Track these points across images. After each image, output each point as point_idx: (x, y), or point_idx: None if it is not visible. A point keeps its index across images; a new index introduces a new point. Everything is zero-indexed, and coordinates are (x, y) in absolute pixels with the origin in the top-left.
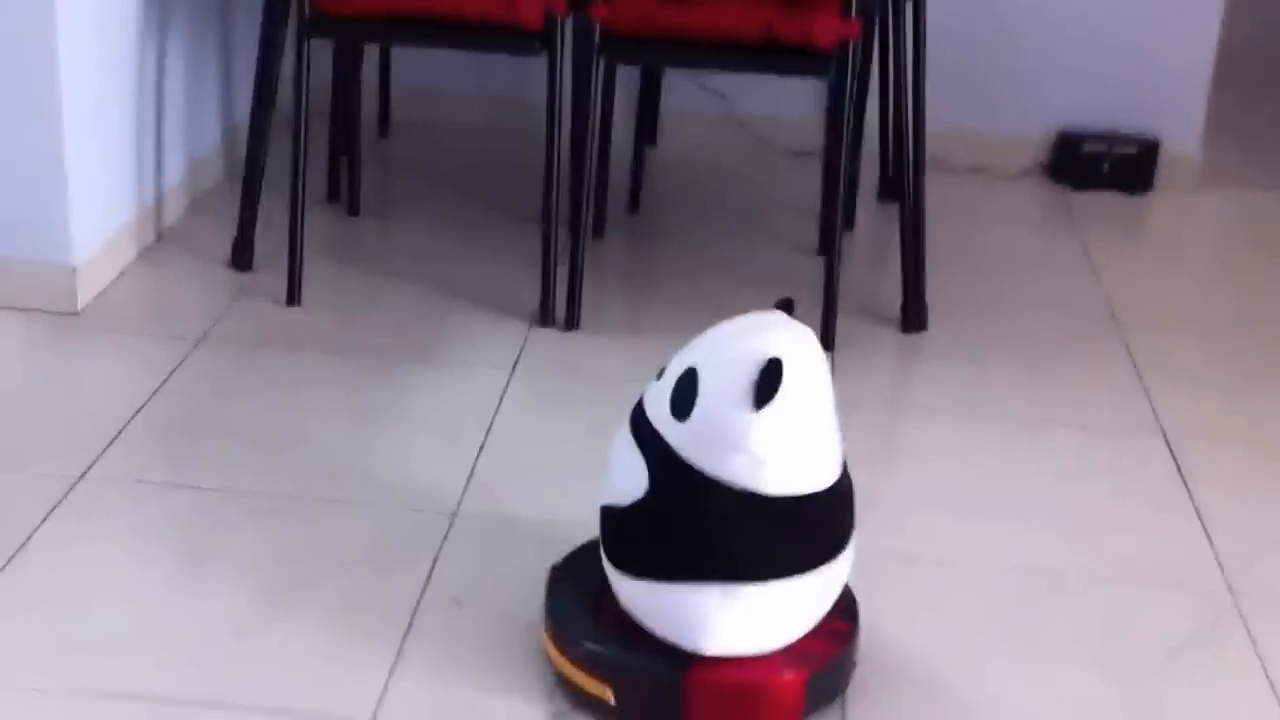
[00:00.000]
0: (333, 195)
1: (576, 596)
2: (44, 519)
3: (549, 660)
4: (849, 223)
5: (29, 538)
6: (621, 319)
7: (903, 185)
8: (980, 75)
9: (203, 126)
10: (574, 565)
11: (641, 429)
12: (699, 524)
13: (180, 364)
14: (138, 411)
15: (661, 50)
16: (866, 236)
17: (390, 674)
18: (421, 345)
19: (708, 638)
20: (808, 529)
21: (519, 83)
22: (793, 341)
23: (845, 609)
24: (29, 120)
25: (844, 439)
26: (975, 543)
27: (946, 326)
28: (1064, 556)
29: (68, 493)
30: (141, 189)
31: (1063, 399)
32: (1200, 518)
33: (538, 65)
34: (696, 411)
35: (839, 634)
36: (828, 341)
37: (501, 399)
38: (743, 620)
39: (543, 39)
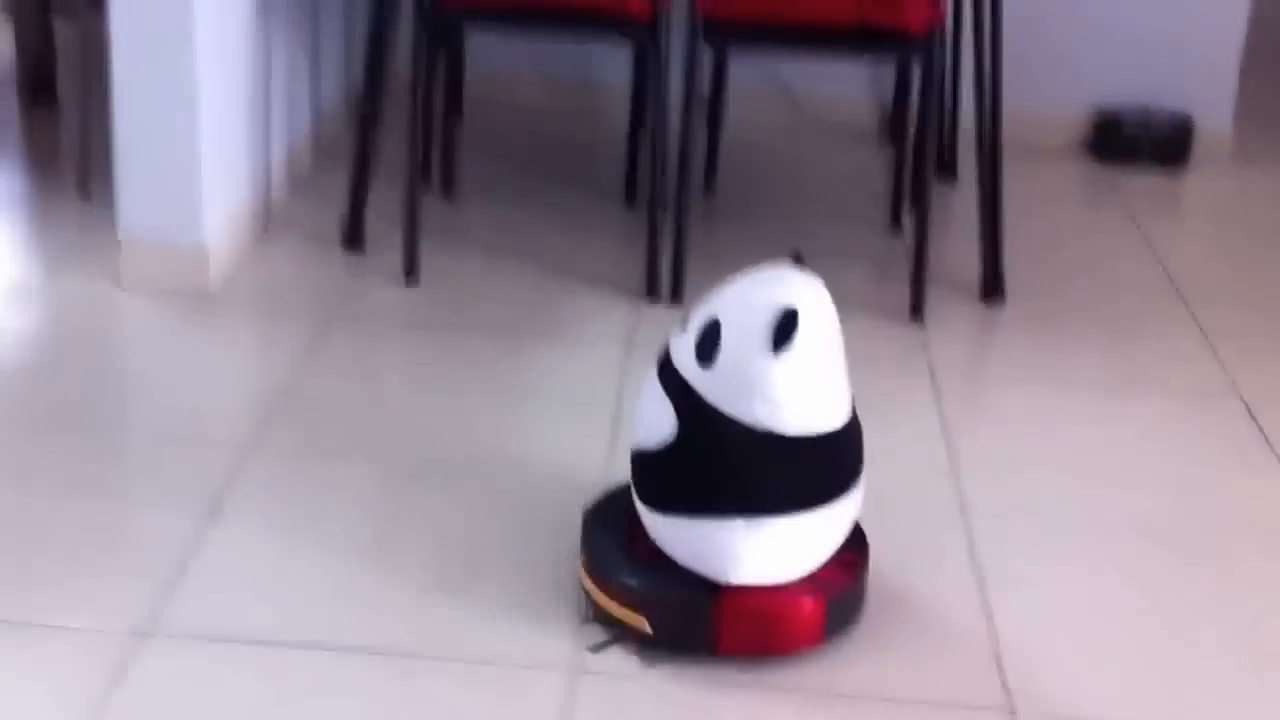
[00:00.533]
0: (424, 178)
1: (611, 535)
2: (226, 487)
3: (587, 594)
4: (913, 199)
5: (217, 506)
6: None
7: (979, 163)
8: (1016, 55)
9: (295, 115)
10: (607, 507)
11: (668, 376)
12: (723, 462)
13: (317, 342)
14: (286, 389)
15: (761, 37)
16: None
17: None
18: (540, 323)
19: (734, 568)
20: (823, 465)
21: (584, 65)
22: (806, 292)
23: (856, 543)
24: (171, 112)
25: (943, 405)
26: (1083, 501)
27: (1023, 299)
28: (1168, 515)
29: (243, 462)
30: (255, 175)
31: (1141, 367)
32: None
33: (600, 49)
34: (720, 358)
35: (851, 565)
36: (917, 313)
37: (624, 372)
38: (765, 551)
39: (650, 28)
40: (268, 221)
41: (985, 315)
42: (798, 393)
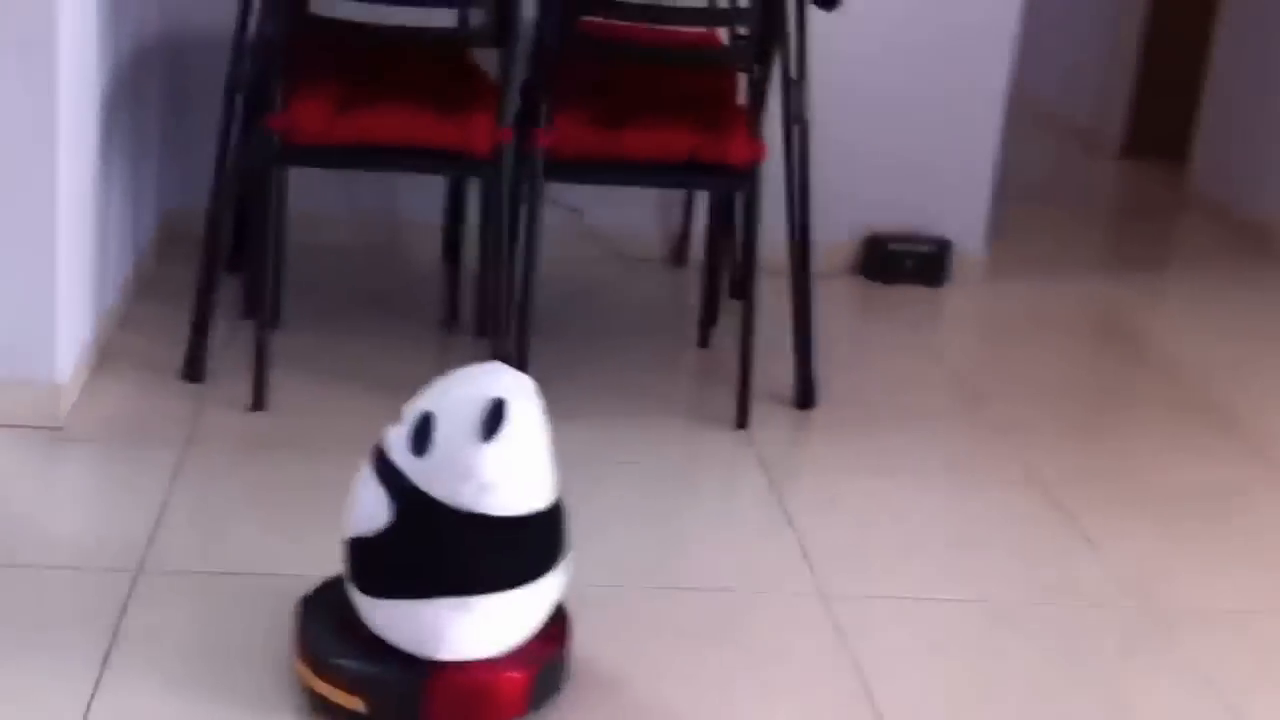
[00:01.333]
0: (249, 311)
1: (326, 623)
2: (120, 616)
3: (302, 681)
4: (713, 319)
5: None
6: (553, 409)
7: (792, 280)
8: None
9: (125, 250)
10: (322, 596)
11: (383, 467)
12: (435, 545)
13: (179, 468)
14: (163, 509)
15: (599, 171)
16: (727, 330)
17: None
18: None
19: (444, 646)
20: (529, 545)
21: (387, 199)
22: (513, 385)
23: (558, 617)
24: (26, 249)
25: (782, 498)
26: (930, 578)
27: (831, 403)
28: (999, 589)
29: (131, 587)
30: (98, 305)
31: (949, 456)
32: (1093, 548)
33: (409, 184)
34: (433, 448)
35: (555, 637)
36: (742, 420)
37: None
38: (474, 628)
39: (491, 164)
40: (104, 354)
41: (801, 418)
42: (506, 476)
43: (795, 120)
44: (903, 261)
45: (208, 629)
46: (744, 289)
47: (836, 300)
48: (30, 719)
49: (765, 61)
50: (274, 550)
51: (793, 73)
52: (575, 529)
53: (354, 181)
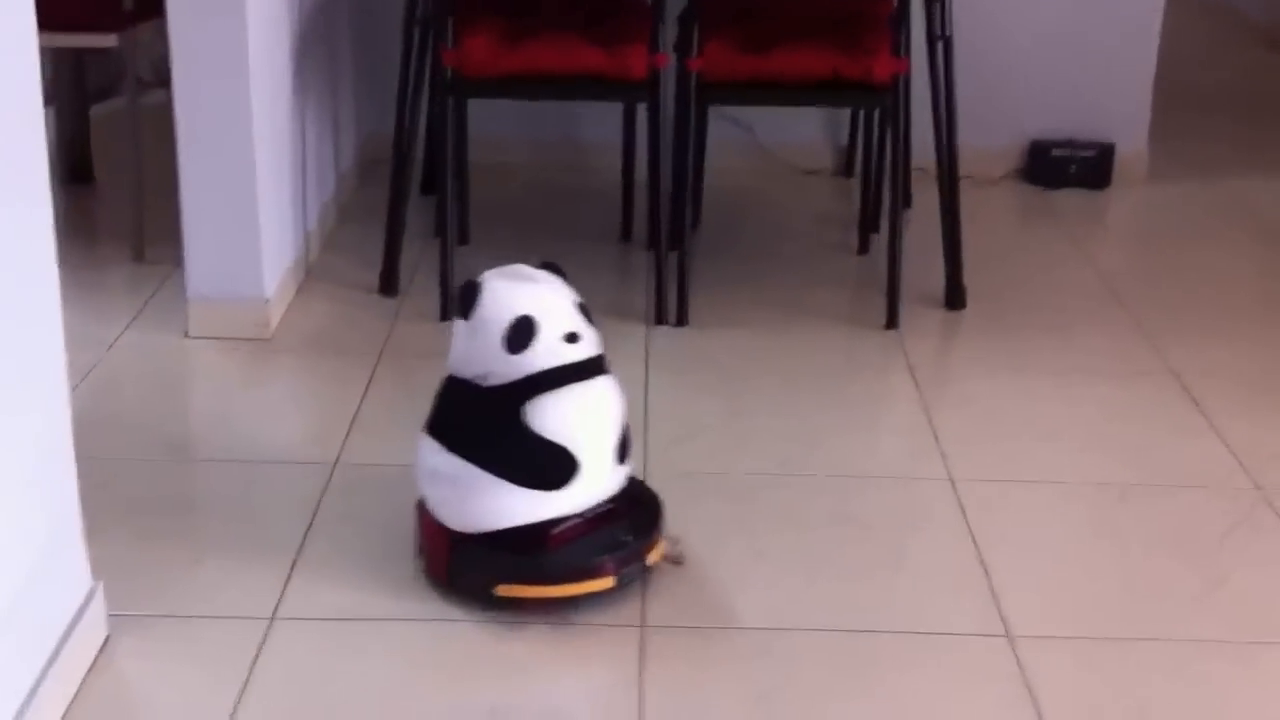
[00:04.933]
0: (440, 230)
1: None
2: (319, 500)
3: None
4: (874, 227)
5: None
6: (718, 316)
7: (939, 187)
8: (960, 97)
9: (325, 176)
10: None
11: None
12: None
13: (374, 372)
14: (357, 411)
15: (747, 92)
16: (885, 236)
17: None
18: None
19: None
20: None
21: (570, 125)
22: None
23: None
24: (230, 182)
25: (924, 394)
26: (1054, 465)
27: (980, 304)
28: (1120, 473)
29: (328, 480)
30: (297, 231)
31: (1087, 354)
32: (1220, 436)
33: (586, 110)
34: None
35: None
36: (892, 320)
37: (646, 386)
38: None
39: (647, 88)
40: (307, 275)
41: (950, 319)
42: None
43: (938, 37)
44: (1066, 166)
45: (393, 517)
46: (894, 197)
47: (999, 206)
48: (234, 592)
49: None
50: None
51: None
52: (717, 427)
53: (536, 108)
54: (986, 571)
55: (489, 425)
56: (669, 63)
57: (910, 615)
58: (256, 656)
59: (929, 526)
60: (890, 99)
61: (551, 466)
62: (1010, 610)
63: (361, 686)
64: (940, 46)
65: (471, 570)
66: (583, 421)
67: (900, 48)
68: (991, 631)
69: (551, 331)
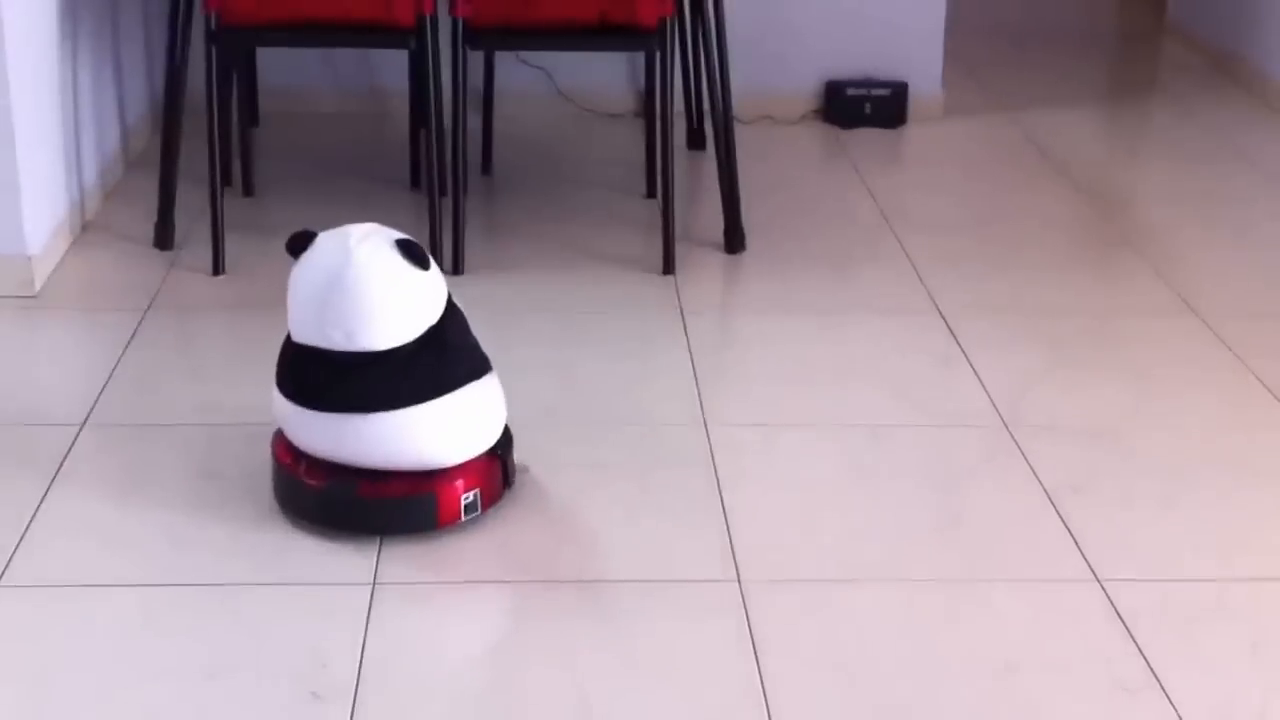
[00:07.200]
0: (225, 179)
1: None
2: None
3: None
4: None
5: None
6: (498, 260)
7: (714, 133)
8: (756, 39)
9: (105, 128)
10: None
11: None
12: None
13: (137, 330)
14: (115, 366)
15: (514, 38)
16: (682, 180)
17: None
18: None
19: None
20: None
21: (368, 74)
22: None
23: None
24: None
25: (690, 339)
26: (810, 406)
27: (761, 245)
28: (874, 414)
29: (73, 441)
30: (69, 186)
31: (860, 293)
32: (978, 375)
33: (384, 58)
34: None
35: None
36: (669, 265)
37: None
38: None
39: (415, 34)
40: (83, 229)
41: (729, 262)
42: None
43: None
44: (861, 105)
45: (134, 473)
46: (664, 141)
47: (795, 147)
48: None
49: None
50: (208, 402)
51: None
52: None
53: (331, 56)
54: (726, 516)
55: None
56: (434, 9)
57: (647, 563)
58: None
59: (677, 470)
60: (657, 42)
61: None
62: (744, 555)
63: (83, 652)
64: None
65: None
66: None
67: None
68: (724, 577)
69: None
